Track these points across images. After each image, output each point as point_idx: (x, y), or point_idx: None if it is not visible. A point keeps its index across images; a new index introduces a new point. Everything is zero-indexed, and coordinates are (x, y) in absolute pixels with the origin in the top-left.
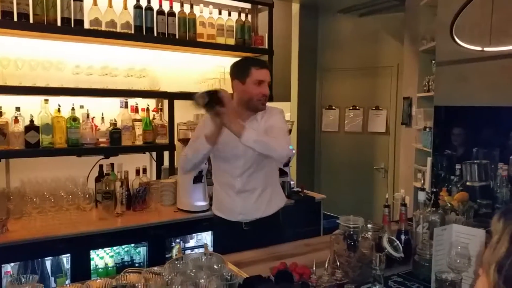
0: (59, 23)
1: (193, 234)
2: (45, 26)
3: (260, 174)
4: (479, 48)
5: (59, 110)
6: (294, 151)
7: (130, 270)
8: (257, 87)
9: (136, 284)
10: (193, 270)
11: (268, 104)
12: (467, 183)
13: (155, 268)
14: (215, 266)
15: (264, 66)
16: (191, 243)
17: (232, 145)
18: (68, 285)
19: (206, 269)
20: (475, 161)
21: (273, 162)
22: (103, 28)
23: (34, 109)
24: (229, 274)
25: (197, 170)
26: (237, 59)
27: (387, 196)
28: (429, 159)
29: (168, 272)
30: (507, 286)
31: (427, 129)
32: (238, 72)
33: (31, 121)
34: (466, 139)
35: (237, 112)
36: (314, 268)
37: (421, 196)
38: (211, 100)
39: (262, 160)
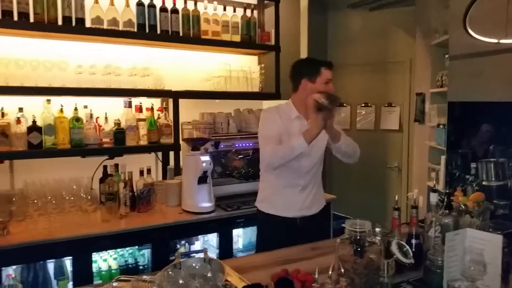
0: (60, 22)
1: (199, 236)
2: (45, 26)
3: (317, 173)
4: (495, 40)
5: (62, 111)
6: None
7: (121, 278)
8: (326, 85)
9: None
10: (185, 279)
11: (274, 102)
12: (483, 183)
13: (145, 276)
14: (209, 275)
15: (331, 66)
16: (197, 245)
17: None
18: None
19: (199, 278)
20: (492, 160)
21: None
22: (105, 26)
23: (36, 109)
24: (223, 283)
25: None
26: (243, 56)
27: (396, 198)
28: (443, 158)
29: (159, 281)
30: None
31: (441, 126)
32: (309, 71)
33: (34, 121)
34: (481, 136)
35: (300, 110)
36: (317, 276)
37: (433, 197)
38: (331, 100)
39: (323, 158)
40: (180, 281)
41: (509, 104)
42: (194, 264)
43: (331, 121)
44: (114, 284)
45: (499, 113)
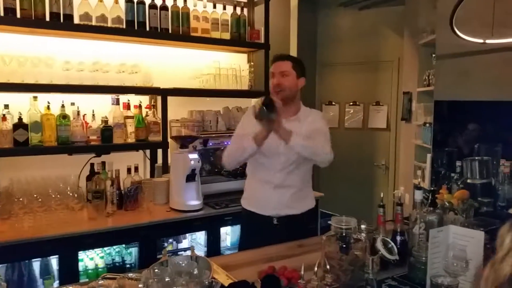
0: (47, 18)
1: (186, 234)
2: (33, 21)
3: (298, 173)
4: (481, 41)
5: (48, 108)
6: None
7: (107, 276)
8: (271, 79)
9: None
10: (172, 277)
11: None
12: (468, 181)
13: (131, 274)
14: (195, 272)
15: (277, 59)
16: (184, 243)
17: (276, 142)
18: None
19: (186, 275)
20: (476, 158)
21: (312, 163)
22: (94, 23)
23: (22, 106)
24: (209, 280)
25: (190, 169)
26: (232, 53)
27: (382, 195)
28: (429, 156)
29: (145, 279)
30: None
31: (427, 125)
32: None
33: (20, 118)
34: (467, 135)
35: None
36: (302, 272)
37: (418, 195)
38: (267, 108)
39: (302, 159)
40: (166, 279)
41: (494, 103)
42: (180, 262)
43: (278, 123)
44: (100, 282)
45: (484, 112)
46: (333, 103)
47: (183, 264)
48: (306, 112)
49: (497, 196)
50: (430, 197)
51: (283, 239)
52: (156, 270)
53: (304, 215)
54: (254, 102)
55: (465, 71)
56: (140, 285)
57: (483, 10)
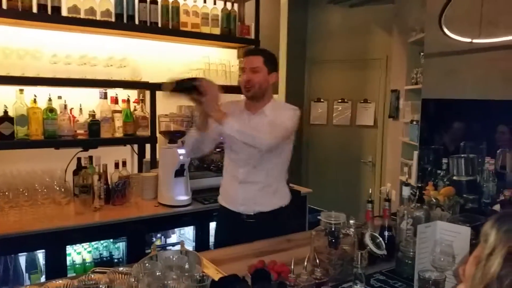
0: (35, 10)
1: (175, 229)
2: (19, 13)
3: (264, 168)
4: (468, 40)
5: (35, 101)
6: None
7: (97, 270)
8: (241, 74)
9: (100, 286)
10: (162, 271)
11: None
12: (454, 178)
13: (121, 268)
14: (186, 266)
15: (249, 53)
16: (173, 238)
17: None
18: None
19: (177, 269)
20: (462, 155)
21: (281, 159)
22: (82, 15)
23: (8, 99)
24: (200, 274)
25: (179, 164)
26: (222, 49)
27: (370, 191)
28: (416, 153)
29: (136, 273)
30: None
31: (414, 123)
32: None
33: (5, 112)
34: (453, 132)
35: (246, 104)
36: (292, 267)
37: (405, 191)
38: (185, 85)
39: (276, 152)
40: (157, 273)
41: (480, 102)
42: (170, 256)
43: (204, 105)
44: (90, 276)
45: (470, 110)
46: (322, 100)
47: (174, 259)
48: (277, 106)
49: (482, 193)
50: (418, 193)
51: (255, 237)
52: (147, 265)
53: (276, 212)
54: (243, 98)
55: (453, 70)
56: (131, 279)
57: (470, 10)
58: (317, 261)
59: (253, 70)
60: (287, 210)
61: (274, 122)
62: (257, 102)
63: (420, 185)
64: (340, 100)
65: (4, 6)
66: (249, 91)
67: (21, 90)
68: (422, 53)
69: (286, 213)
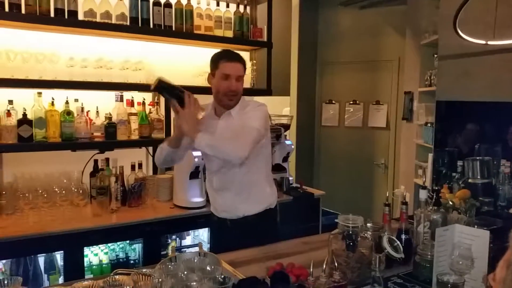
0: (52, 14)
1: (190, 231)
2: (37, 17)
3: (237, 173)
4: (483, 42)
5: (52, 104)
6: (293, 147)
7: (120, 271)
8: (224, 81)
9: (125, 287)
10: (185, 272)
11: (266, 98)
12: (469, 180)
13: (144, 270)
14: (208, 268)
15: (233, 59)
16: (188, 239)
17: None
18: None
19: (198, 271)
20: (477, 158)
21: (258, 162)
22: (98, 19)
23: (27, 102)
24: (222, 276)
25: (194, 166)
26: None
27: (387, 194)
28: (430, 155)
29: (159, 274)
30: None
31: (429, 125)
32: (210, 64)
33: (24, 114)
34: (468, 135)
35: (215, 108)
36: (311, 269)
37: (423, 194)
38: (170, 91)
39: (250, 161)
40: (180, 274)
41: (495, 104)
42: (192, 258)
43: (179, 118)
44: (114, 277)
45: (485, 113)
46: (333, 101)
47: (195, 261)
48: (244, 106)
49: (498, 196)
50: (435, 196)
51: (243, 241)
52: (169, 266)
53: (262, 214)
54: (256, 100)
55: (467, 72)
56: (155, 280)
57: (485, 12)
58: (335, 264)
59: (238, 79)
60: (275, 211)
61: (243, 126)
62: (231, 106)
63: (437, 188)
64: (352, 102)
65: (23, 11)
66: (232, 100)
67: (39, 93)
68: (435, 55)
69: (275, 214)
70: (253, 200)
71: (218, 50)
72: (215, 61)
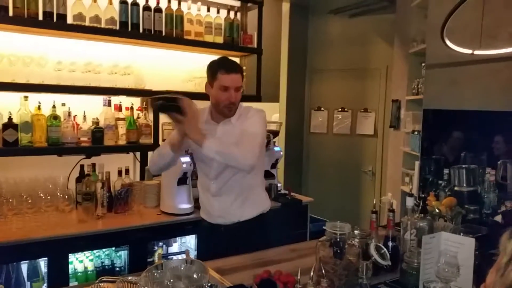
0: (40, 17)
1: (177, 238)
2: (25, 20)
3: (237, 178)
4: (470, 51)
5: (39, 108)
6: (281, 153)
7: (105, 279)
8: (223, 93)
9: None
10: (171, 280)
11: (255, 104)
12: (455, 188)
13: (130, 277)
14: (194, 276)
15: (232, 70)
16: (175, 246)
17: None
18: None
19: (185, 279)
20: (463, 166)
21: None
22: (87, 23)
23: (12, 106)
24: (209, 284)
25: (182, 172)
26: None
27: (374, 202)
28: (417, 163)
29: (144, 282)
30: None
31: (416, 133)
32: (208, 74)
33: (10, 118)
34: (454, 143)
35: (212, 114)
36: (299, 277)
37: (409, 202)
38: (171, 106)
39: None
40: (166, 282)
41: (481, 113)
42: (179, 266)
43: (184, 126)
44: (99, 284)
45: (471, 121)
46: (322, 108)
47: (182, 268)
48: (243, 112)
49: (483, 204)
50: (421, 204)
51: (236, 248)
52: (155, 274)
53: (256, 220)
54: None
55: (454, 81)
56: None
57: (472, 22)
58: (323, 271)
59: (237, 89)
60: (268, 216)
61: (246, 131)
62: (230, 116)
63: (423, 195)
64: (340, 109)
65: (10, 13)
66: (232, 110)
67: (26, 97)
68: (423, 64)
69: (268, 219)
70: (250, 204)
71: (208, 56)
72: (213, 72)
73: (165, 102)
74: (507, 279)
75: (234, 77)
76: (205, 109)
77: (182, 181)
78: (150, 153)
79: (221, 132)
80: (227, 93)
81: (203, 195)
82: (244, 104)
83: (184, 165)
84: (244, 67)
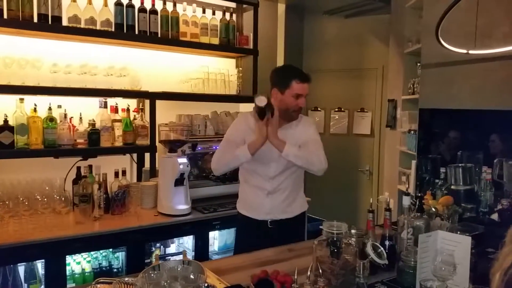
0: (35, 20)
1: (174, 239)
2: (20, 23)
3: (291, 178)
4: (464, 51)
5: (35, 110)
6: None
7: (101, 280)
8: (295, 100)
9: None
10: (168, 281)
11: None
12: (452, 187)
13: (127, 278)
14: (191, 276)
15: (306, 80)
16: (172, 247)
17: (269, 150)
18: None
19: (182, 279)
20: (460, 165)
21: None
22: (82, 25)
23: (8, 108)
24: (205, 285)
25: (179, 173)
26: (221, 58)
27: (371, 201)
28: (414, 162)
29: (141, 283)
30: None
31: (412, 132)
32: (279, 81)
33: (5, 121)
34: (450, 142)
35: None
36: (296, 277)
37: (406, 200)
38: (267, 107)
39: (295, 166)
40: (163, 283)
41: (476, 112)
42: (175, 267)
43: (272, 129)
44: (96, 286)
45: (467, 120)
46: (319, 108)
47: (178, 269)
48: (298, 119)
49: (480, 202)
50: (418, 203)
51: (276, 242)
52: (152, 275)
53: (297, 218)
54: (242, 107)
55: (449, 80)
56: None
57: (466, 22)
58: (320, 271)
59: (305, 96)
60: (305, 215)
61: (311, 140)
62: (285, 120)
63: (420, 194)
64: (337, 109)
65: (5, 15)
66: (298, 115)
67: (22, 99)
68: (418, 64)
69: (304, 217)
70: (298, 202)
71: (203, 57)
72: (286, 79)
73: (263, 107)
74: (505, 263)
75: (307, 86)
76: (245, 115)
77: (179, 182)
78: (147, 155)
79: (283, 136)
80: (299, 100)
81: (254, 195)
82: None
83: (181, 166)
84: (240, 68)
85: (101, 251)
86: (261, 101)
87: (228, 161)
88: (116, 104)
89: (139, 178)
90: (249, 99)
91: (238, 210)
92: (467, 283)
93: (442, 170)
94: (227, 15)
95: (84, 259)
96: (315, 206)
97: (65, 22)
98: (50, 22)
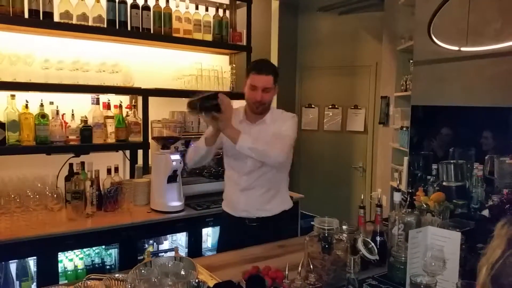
0: (26, 15)
1: (167, 236)
2: (11, 18)
3: (267, 175)
4: (456, 48)
5: (27, 106)
6: None
7: (92, 276)
8: (251, 91)
9: None
10: (158, 277)
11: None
12: (444, 183)
13: (117, 274)
14: (182, 272)
15: (262, 72)
16: (165, 244)
17: None
18: None
19: (173, 276)
20: (452, 161)
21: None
22: (74, 21)
23: None
24: (196, 280)
25: (172, 170)
26: (214, 55)
27: (362, 197)
28: (406, 159)
29: (132, 279)
30: (494, 285)
31: (404, 129)
32: (246, 72)
33: None
34: (442, 139)
35: (247, 114)
36: (287, 272)
37: (397, 196)
38: (211, 106)
39: None
40: (153, 279)
41: (468, 109)
42: (166, 263)
43: (220, 122)
44: (86, 282)
45: (459, 117)
46: (313, 106)
47: (169, 265)
48: (277, 115)
49: (471, 198)
50: (409, 199)
51: (257, 241)
52: (142, 271)
53: (278, 217)
54: (235, 104)
55: (441, 77)
56: (127, 286)
57: (458, 19)
58: (311, 266)
59: (266, 90)
60: (288, 214)
61: (279, 134)
62: (259, 114)
63: (411, 190)
64: (330, 106)
65: None
66: (258, 109)
67: (13, 96)
68: (411, 61)
69: (288, 216)
70: (277, 201)
71: (197, 53)
72: (248, 71)
73: (204, 101)
74: (492, 257)
75: (262, 78)
76: (240, 108)
77: (172, 178)
78: (140, 151)
79: (256, 131)
80: (254, 92)
81: (231, 190)
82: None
83: (174, 163)
84: (233, 65)
85: (93, 248)
86: (191, 105)
87: (192, 153)
88: (109, 100)
89: (132, 175)
90: (243, 96)
91: (222, 206)
92: (457, 278)
93: (434, 166)
94: (220, 12)
95: (77, 256)
96: (308, 203)
97: (56, 18)
98: (41, 18)
